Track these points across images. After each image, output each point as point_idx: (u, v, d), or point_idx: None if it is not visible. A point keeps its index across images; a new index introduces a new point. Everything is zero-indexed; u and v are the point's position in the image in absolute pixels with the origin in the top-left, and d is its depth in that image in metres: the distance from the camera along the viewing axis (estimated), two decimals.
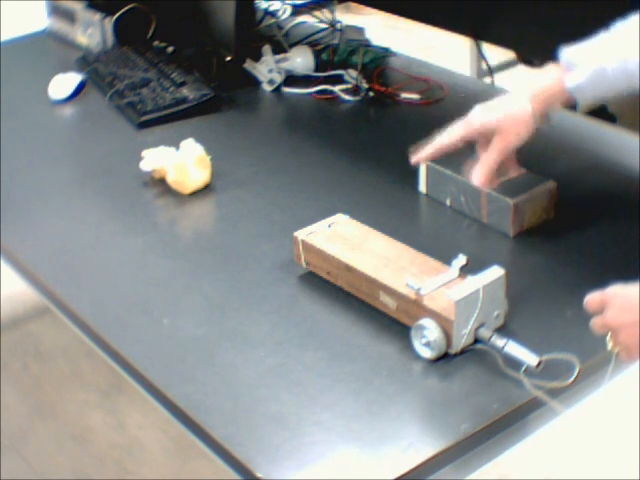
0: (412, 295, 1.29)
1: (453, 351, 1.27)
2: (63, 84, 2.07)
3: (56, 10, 2.36)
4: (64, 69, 2.12)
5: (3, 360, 2.63)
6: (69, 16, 2.32)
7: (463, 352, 1.28)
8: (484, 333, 1.27)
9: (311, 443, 1.17)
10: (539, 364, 1.21)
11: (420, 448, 1.16)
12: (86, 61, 2.19)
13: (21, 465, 2.33)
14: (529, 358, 1.22)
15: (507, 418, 1.20)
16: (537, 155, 1.74)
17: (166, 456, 2.34)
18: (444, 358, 1.27)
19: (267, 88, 2.08)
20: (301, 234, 1.44)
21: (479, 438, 1.19)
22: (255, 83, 2.09)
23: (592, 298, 1.16)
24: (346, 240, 1.42)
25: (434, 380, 1.26)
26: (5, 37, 2.38)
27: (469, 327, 1.27)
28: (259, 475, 1.13)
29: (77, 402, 2.52)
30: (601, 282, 1.39)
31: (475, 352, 1.28)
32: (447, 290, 1.27)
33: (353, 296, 1.39)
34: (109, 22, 2.23)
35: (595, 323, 1.16)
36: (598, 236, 1.52)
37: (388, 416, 1.20)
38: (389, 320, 1.34)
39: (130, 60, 2.15)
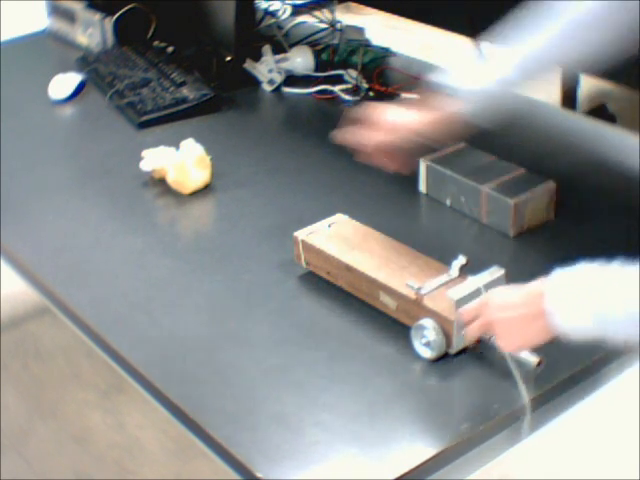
0: (412, 295, 1.29)
1: (453, 351, 1.27)
2: (63, 84, 2.07)
3: (56, 10, 2.36)
4: (64, 69, 2.12)
5: (3, 360, 2.63)
6: (69, 16, 2.32)
7: (463, 352, 1.28)
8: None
9: (311, 443, 1.17)
10: (539, 363, 1.21)
11: (420, 448, 1.16)
12: (86, 61, 2.19)
13: (21, 465, 2.33)
14: (529, 358, 1.22)
15: (507, 418, 1.20)
16: (537, 155, 1.75)
17: (166, 456, 2.34)
18: (444, 358, 1.27)
19: (267, 88, 2.08)
20: (301, 234, 1.44)
21: (479, 438, 1.19)
22: (255, 83, 2.09)
23: (466, 310, 1.21)
24: (346, 240, 1.42)
25: (434, 380, 1.26)
26: (5, 37, 2.38)
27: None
28: (259, 475, 1.13)
29: (77, 402, 2.52)
30: None
31: (475, 352, 1.28)
32: (447, 290, 1.27)
33: (353, 296, 1.39)
34: (109, 22, 2.23)
35: (471, 328, 1.21)
36: (598, 236, 1.52)
37: (388, 416, 1.20)
38: (389, 320, 1.34)
39: (130, 60, 2.15)
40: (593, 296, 1.06)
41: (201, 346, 1.34)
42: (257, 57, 2.09)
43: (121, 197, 1.70)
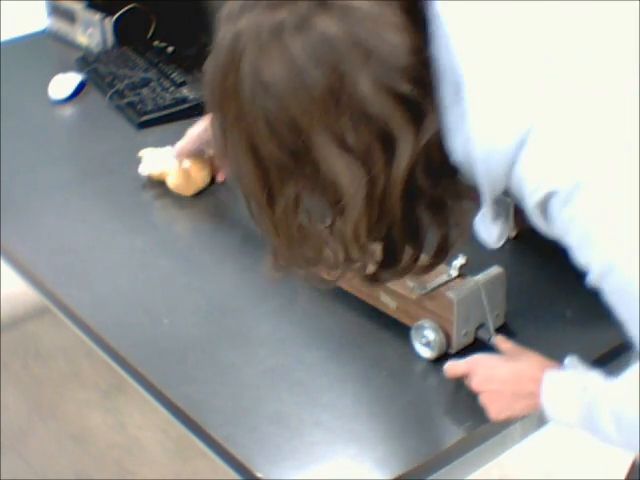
0: (412, 295, 1.29)
1: (453, 351, 1.27)
2: (63, 84, 2.07)
3: (56, 10, 2.36)
4: (64, 69, 2.12)
5: (3, 360, 2.63)
6: (69, 16, 2.31)
7: (463, 352, 1.28)
8: (484, 333, 1.27)
9: (311, 443, 1.17)
10: None
11: (420, 448, 1.16)
12: (86, 61, 2.19)
13: (21, 465, 2.33)
14: None
15: (507, 418, 1.20)
16: None
17: (166, 456, 2.34)
18: (444, 358, 1.27)
19: None
20: None
21: (479, 438, 1.19)
22: None
23: (454, 366, 1.23)
24: None
25: (434, 380, 1.26)
26: (5, 37, 2.38)
27: (469, 327, 1.27)
28: (259, 475, 1.13)
29: (77, 402, 2.52)
30: None
31: (475, 352, 1.28)
32: (447, 290, 1.27)
33: (353, 296, 1.39)
34: (109, 22, 2.23)
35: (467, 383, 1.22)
36: None
37: (388, 416, 1.20)
38: (389, 320, 1.34)
39: (130, 60, 2.14)
40: (587, 409, 1.07)
41: (201, 346, 1.34)
42: None
43: (121, 197, 1.70)
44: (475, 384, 1.19)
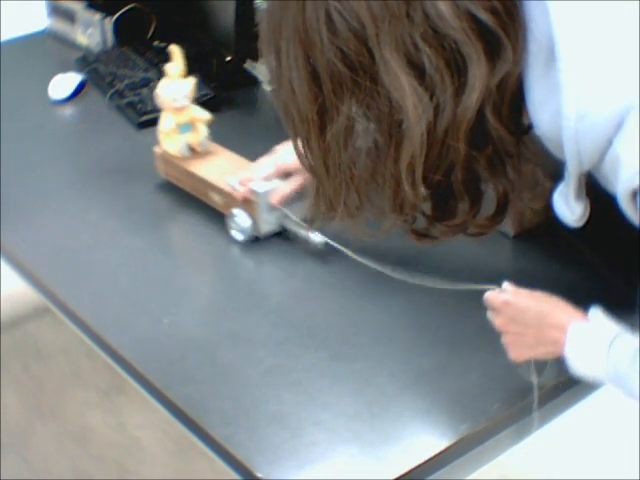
0: (231, 191, 1.50)
1: (261, 236, 1.49)
2: (63, 84, 2.07)
3: (56, 10, 2.36)
4: (64, 69, 2.12)
5: (3, 360, 2.63)
6: (69, 16, 2.31)
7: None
8: (288, 221, 1.48)
9: (311, 443, 1.17)
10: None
11: (420, 448, 1.16)
12: (86, 61, 2.19)
13: (21, 465, 2.33)
14: (316, 237, 1.43)
15: (507, 418, 1.20)
16: None
17: (166, 456, 2.34)
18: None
19: (267, 88, 2.08)
20: (159, 149, 1.65)
21: (479, 438, 1.19)
22: (255, 83, 2.09)
23: (493, 296, 1.20)
24: (203, 158, 1.63)
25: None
26: (5, 37, 2.38)
27: (272, 216, 1.49)
28: (259, 475, 1.13)
29: (77, 402, 2.52)
30: (601, 282, 1.39)
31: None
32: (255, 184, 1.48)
33: (352, 295, 1.39)
34: (109, 22, 2.23)
35: (490, 315, 1.20)
36: (598, 236, 1.52)
37: (388, 416, 1.20)
38: (390, 319, 1.34)
39: (130, 60, 2.14)
40: (613, 366, 1.07)
41: (201, 346, 1.34)
42: (257, 57, 2.09)
43: (121, 197, 1.70)
44: (500, 323, 1.18)
